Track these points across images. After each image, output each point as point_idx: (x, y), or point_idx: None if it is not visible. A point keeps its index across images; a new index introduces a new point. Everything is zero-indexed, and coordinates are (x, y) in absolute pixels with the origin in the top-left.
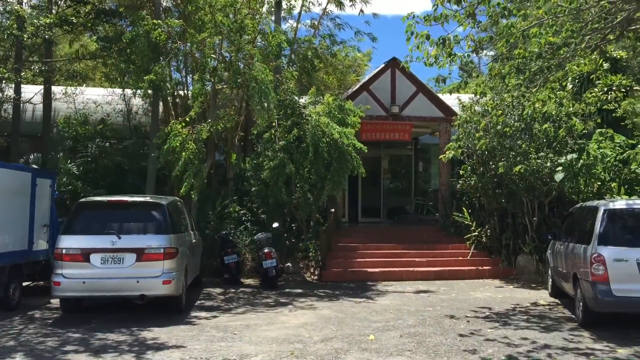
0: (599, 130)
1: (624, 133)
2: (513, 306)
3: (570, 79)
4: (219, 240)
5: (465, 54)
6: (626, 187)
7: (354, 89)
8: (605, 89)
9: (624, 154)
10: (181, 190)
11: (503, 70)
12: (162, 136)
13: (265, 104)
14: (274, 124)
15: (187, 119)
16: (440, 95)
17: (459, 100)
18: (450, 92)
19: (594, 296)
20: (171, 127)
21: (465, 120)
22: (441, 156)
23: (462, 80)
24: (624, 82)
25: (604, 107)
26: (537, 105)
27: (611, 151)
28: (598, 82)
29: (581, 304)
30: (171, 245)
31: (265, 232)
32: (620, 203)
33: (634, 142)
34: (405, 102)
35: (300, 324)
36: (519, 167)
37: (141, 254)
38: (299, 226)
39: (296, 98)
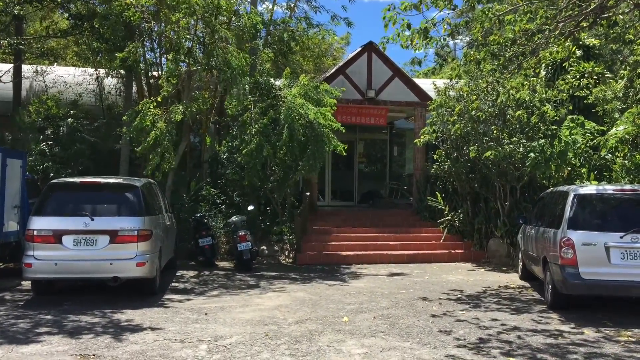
0: (571, 116)
1: (594, 120)
2: (484, 289)
3: (543, 65)
4: (193, 222)
5: (442, 38)
6: (595, 172)
7: (330, 72)
8: (578, 76)
9: (594, 141)
10: (145, 171)
11: (478, 56)
12: (133, 114)
13: (241, 91)
14: (249, 106)
15: (160, 99)
16: (415, 80)
17: (434, 85)
18: (426, 75)
19: (562, 279)
20: (142, 106)
21: (439, 104)
22: (416, 140)
23: (437, 64)
24: (595, 69)
25: (575, 94)
26: (511, 91)
27: (582, 137)
28: (571, 69)
29: (550, 286)
30: (145, 227)
31: (240, 215)
32: (589, 188)
33: (604, 128)
34: (382, 87)
35: (275, 306)
36: (489, 152)
37: (114, 236)
38: (274, 209)
39: (272, 80)
